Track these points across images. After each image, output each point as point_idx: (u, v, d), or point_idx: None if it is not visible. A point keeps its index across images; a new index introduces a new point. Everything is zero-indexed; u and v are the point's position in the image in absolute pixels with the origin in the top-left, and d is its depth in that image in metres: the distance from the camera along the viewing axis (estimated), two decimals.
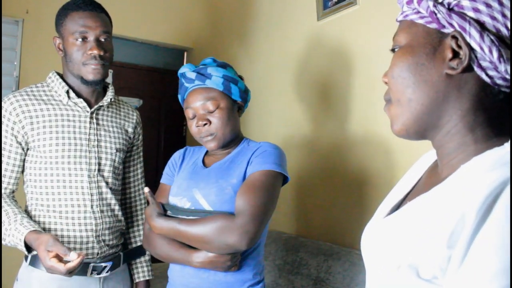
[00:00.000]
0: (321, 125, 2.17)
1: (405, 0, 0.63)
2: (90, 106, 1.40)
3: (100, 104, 1.41)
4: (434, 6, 0.57)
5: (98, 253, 1.34)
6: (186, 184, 1.25)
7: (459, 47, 0.57)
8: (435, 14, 0.57)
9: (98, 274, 1.35)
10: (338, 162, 2.03)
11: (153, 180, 3.51)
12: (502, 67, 0.55)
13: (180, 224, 1.14)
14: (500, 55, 0.54)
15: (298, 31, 2.36)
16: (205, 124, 1.22)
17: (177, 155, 1.41)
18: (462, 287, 0.48)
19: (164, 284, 2.00)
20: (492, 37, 0.54)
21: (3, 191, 1.32)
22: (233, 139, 1.28)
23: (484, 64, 0.56)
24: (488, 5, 0.55)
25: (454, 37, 0.57)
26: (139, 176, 1.61)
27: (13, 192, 1.36)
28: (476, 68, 0.57)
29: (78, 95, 1.38)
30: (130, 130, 1.52)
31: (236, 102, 1.28)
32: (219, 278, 1.17)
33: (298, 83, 2.31)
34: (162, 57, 3.55)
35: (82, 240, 1.32)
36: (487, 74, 0.56)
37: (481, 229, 0.47)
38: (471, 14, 0.55)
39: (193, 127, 1.25)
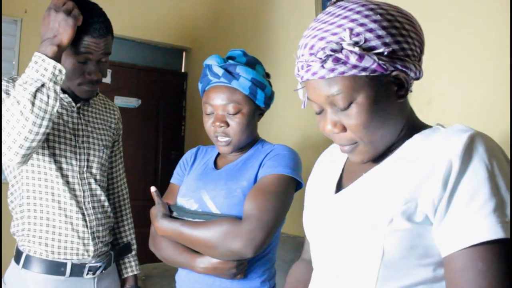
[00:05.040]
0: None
1: (330, 59, 0.68)
2: (75, 102, 1.35)
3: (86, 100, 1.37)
4: (379, 59, 0.67)
5: (94, 251, 1.32)
6: (195, 185, 1.20)
7: (399, 78, 0.70)
8: (383, 65, 0.67)
9: (93, 274, 1.33)
10: None
11: (152, 179, 3.51)
12: (419, 74, 0.72)
13: (183, 226, 1.09)
14: (419, 70, 0.72)
15: (297, 31, 2.36)
16: (221, 126, 1.15)
17: (188, 155, 1.35)
18: (460, 216, 0.62)
19: (163, 284, 2.00)
20: (416, 63, 0.71)
21: None
22: (248, 143, 1.23)
23: (411, 81, 0.73)
24: (407, 42, 0.69)
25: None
26: (121, 171, 1.58)
27: None
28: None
29: (63, 90, 1.32)
30: (113, 125, 1.49)
31: (258, 107, 1.20)
32: (225, 285, 1.11)
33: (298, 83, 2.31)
34: (160, 57, 3.55)
35: (79, 235, 1.30)
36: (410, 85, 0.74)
37: (466, 172, 0.63)
38: (401, 53, 0.69)
39: (208, 124, 1.18)
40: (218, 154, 1.29)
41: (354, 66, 0.67)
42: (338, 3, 0.73)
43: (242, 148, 1.22)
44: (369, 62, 0.67)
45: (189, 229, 1.08)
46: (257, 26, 2.74)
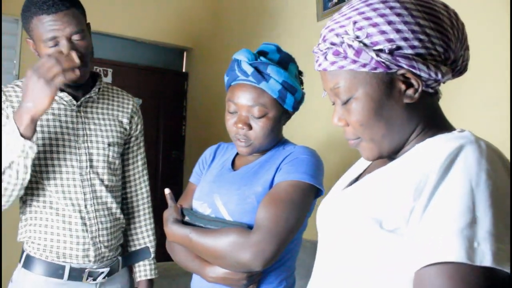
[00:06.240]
0: (325, 127, 2.16)
1: (330, 52, 0.68)
2: (77, 99, 1.30)
3: (88, 95, 1.32)
4: (378, 55, 0.64)
5: (95, 256, 1.28)
6: (208, 188, 1.14)
7: (408, 78, 0.66)
8: (383, 63, 0.64)
9: (94, 280, 1.30)
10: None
11: (152, 179, 3.49)
12: (439, 76, 0.65)
13: (192, 233, 1.04)
14: (439, 71, 0.65)
15: (298, 31, 2.36)
16: (243, 129, 1.07)
17: (208, 152, 1.28)
18: (427, 229, 0.57)
19: (166, 284, 1.99)
20: (433, 62, 0.65)
21: None
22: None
23: (428, 82, 0.67)
24: (420, 39, 0.64)
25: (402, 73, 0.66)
26: (140, 169, 1.49)
27: None
28: (424, 88, 0.68)
29: (61, 89, 1.28)
30: (125, 120, 1.41)
31: (286, 111, 1.12)
32: None
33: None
34: (161, 56, 3.55)
35: (78, 241, 1.27)
36: (428, 86, 0.68)
37: (442, 183, 0.58)
38: (409, 51, 0.64)
39: (230, 123, 1.10)
40: (238, 153, 1.22)
41: (353, 61, 0.66)
42: None
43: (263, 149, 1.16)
44: (366, 58, 0.64)
45: (197, 237, 1.03)
46: (258, 26, 2.74)
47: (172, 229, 1.09)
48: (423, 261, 0.56)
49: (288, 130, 1.27)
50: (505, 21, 1.35)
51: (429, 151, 0.65)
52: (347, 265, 0.69)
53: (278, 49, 1.12)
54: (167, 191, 1.16)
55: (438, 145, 0.64)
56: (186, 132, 3.64)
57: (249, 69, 1.05)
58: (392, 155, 0.73)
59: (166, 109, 3.53)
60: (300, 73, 1.17)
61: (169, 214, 1.12)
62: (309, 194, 1.06)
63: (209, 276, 1.04)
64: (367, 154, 0.73)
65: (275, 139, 1.14)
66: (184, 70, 3.70)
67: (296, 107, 1.13)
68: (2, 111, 1.24)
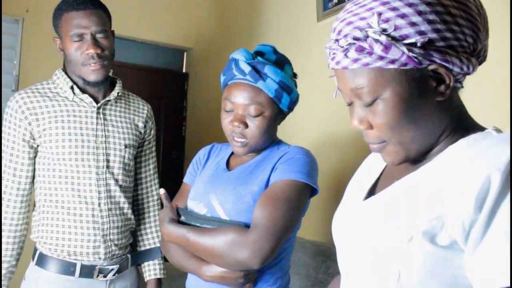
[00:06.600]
0: (322, 127, 2.16)
1: (353, 47, 0.60)
2: (97, 101, 1.37)
3: (107, 98, 1.38)
4: (410, 50, 0.57)
5: (105, 253, 1.33)
6: (204, 187, 1.15)
7: (438, 73, 0.60)
8: (415, 58, 0.58)
9: (104, 276, 1.33)
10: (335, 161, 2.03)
11: None
12: (470, 69, 0.60)
13: (189, 233, 1.05)
14: (471, 64, 0.60)
15: (298, 32, 2.36)
16: (239, 127, 1.08)
17: (202, 153, 1.29)
18: (495, 249, 0.51)
19: (173, 284, 1.99)
20: (465, 55, 0.59)
21: (15, 192, 1.31)
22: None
23: (458, 76, 0.62)
24: (452, 30, 0.58)
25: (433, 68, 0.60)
26: (151, 172, 1.54)
27: (29, 193, 1.34)
28: (454, 83, 0.62)
29: (83, 90, 1.36)
30: (140, 124, 1.47)
31: (281, 111, 1.13)
32: None
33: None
34: (161, 57, 3.55)
35: (89, 238, 1.31)
36: (457, 80, 0.63)
37: (508, 194, 0.51)
38: (442, 44, 0.58)
39: (226, 121, 1.11)
40: (232, 152, 1.23)
41: (380, 57, 0.59)
42: None
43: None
44: (397, 53, 0.57)
45: (195, 236, 1.04)
46: (258, 27, 2.74)
47: (169, 229, 1.09)
48: (492, 284, 0.51)
49: (283, 130, 1.28)
50: (505, 21, 1.35)
51: (473, 154, 0.58)
52: (388, 283, 0.61)
53: (275, 50, 1.14)
54: (162, 191, 1.16)
55: (486, 148, 0.57)
56: (186, 132, 3.64)
57: (247, 68, 1.06)
58: (417, 158, 0.67)
59: (166, 109, 3.53)
60: (295, 75, 1.19)
61: (165, 214, 1.12)
62: (305, 193, 1.07)
63: (206, 275, 1.05)
64: (392, 159, 0.66)
65: (270, 139, 1.15)
66: (184, 70, 3.70)
67: (291, 107, 1.15)
68: (20, 122, 1.30)
